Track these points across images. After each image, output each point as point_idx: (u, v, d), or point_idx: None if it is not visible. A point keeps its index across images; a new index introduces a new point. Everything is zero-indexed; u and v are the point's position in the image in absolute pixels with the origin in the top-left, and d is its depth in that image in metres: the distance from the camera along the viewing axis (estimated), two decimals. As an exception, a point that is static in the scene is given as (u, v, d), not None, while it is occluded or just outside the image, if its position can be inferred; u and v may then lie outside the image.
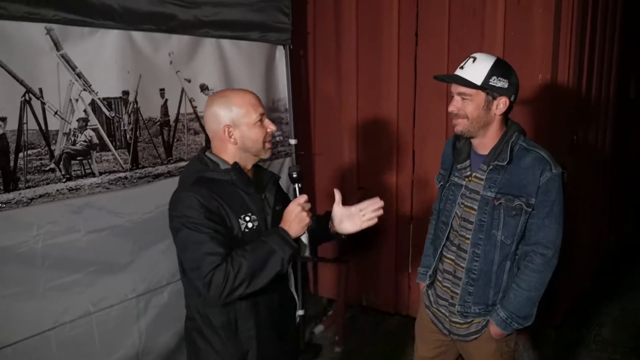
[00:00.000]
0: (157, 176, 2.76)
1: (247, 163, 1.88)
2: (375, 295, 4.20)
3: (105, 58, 2.45)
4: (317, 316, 4.24)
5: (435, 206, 2.40)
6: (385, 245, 4.02)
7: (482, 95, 1.97)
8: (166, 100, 2.79)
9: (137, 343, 2.71)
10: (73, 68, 2.32)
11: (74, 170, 2.39)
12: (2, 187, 2.15)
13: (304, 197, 1.84)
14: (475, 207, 2.09)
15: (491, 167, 2.04)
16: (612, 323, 4.10)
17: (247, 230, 1.80)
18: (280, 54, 3.49)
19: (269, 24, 3.28)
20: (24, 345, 2.26)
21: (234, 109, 1.80)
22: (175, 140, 2.87)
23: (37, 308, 2.30)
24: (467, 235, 2.12)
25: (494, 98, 1.97)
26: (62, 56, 2.28)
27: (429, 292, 2.36)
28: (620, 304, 4.38)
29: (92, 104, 2.43)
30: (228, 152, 1.85)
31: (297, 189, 1.89)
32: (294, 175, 1.90)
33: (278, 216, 1.88)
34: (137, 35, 2.58)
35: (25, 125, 2.19)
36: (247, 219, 1.81)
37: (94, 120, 2.45)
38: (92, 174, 2.47)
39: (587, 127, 3.98)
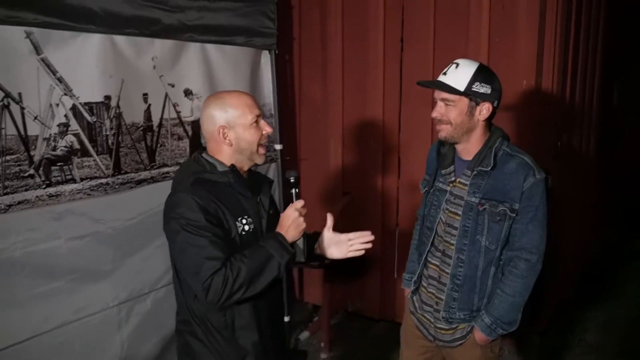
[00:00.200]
0: (139, 182, 2.73)
1: (243, 165, 1.87)
2: (361, 301, 4.18)
3: (86, 62, 2.42)
4: (303, 322, 4.22)
5: (420, 212, 2.40)
6: (371, 251, 3.98)
7: (465, 101, 1.97)
8: (149, 105, 2.76)
9: (119, 352, 2.66)
10: (53, 72, 2.29)
11: (54, 176, 2.35)
12: (-21, 194, 2.11)
13: (301, 202, 1.84)
14: (460, 213, 2.09)
15: (475, 172, 2.04)
16: (597, 328, 4.12)
17: (243, 233, 1.80)
18: (266, 59, 3.48)
19: (254, 29, 3.26)
20: (1, 356, 2.21)
21: (229, 110, 1.79)
22: (159, 145, 2.84)
23: (16, 317, 2.25)
24: (451, 241, 2.12)
25: (477, 104, 1.97)
26: (42, 60, 2.24)
27: (414, 298, 2.35)
28: (605, 309, 4.39)
29: (73, 108, 2.40)
30: (224, 154, 1.83)
31: (294, 193, 1.88)
32: (292, 180, 1.88)
33: (272, 220, 1.89)
34: (120, 40, 2.55)
35: (3, 130, 2.16)
36: (244, 221, 1.80)
37: (75, 126, 2.41)
38: (73, 180, 2.43)
39: (571, 133, 4.00)
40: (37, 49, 2.22)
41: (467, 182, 2.07)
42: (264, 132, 1.85)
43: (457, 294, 2.12)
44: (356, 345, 3.94)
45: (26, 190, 2.25)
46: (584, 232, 4.72)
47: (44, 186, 2.31)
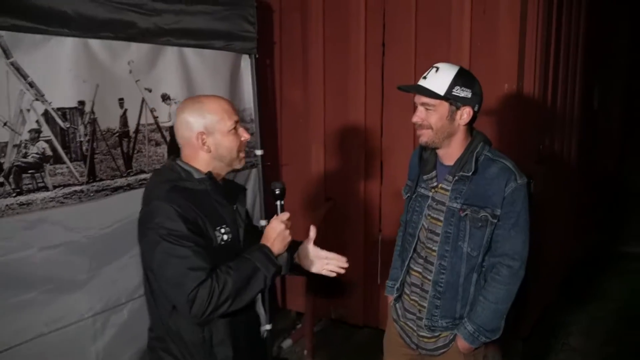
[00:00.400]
0: (115, 189, 2.66)
1: (221, 172, 1.82)
2: (344, 308, 4.13)
3: (59, 67, 2.35)
4: (286, 330, 4.16)
5: (403, 218, 2.37)
6: (354, 257, 3.96)
7: (445, 105, 1.94)
8: (125, 110, 2.69)
9: (94, 364, 2.59)
10: (24, 77, 2.21)
11: (25, 184, 2.27)
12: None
13: (287, 215, 1.81)
14: (442, 219, 2.06)
15: (457, 177, 2.01)
16: (580, 332, 4.12)
17: (222, 242, 1.73)
18: (246, 63, 3.43)
19: (233, 33, 3.21)
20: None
21: (208, 116, 1.73)
22: (136, 151, 2.77)
23: (-15, 330, 2.18)
24: (433, 247, 2.09)
25: (458, 108, 1.95)
26: (12, 64, 2.17)
27: (397, 305, 2.32)
28: (588, 313, 4.41)
29: (45, 114, 2.32)
30: (200, 161, 1.77)
31: (279, 205, 1.83)
32: (277, 192, 1.83)
33: (249, 230, 1.84)
34: (94, 43, 2.48)
35: (-29, 136, 2.09)
36: (222, 230, 1.74)
37: (47, 132, 2.34)
38: (46, 188, 2.35)
39: (552, 137, 4.01)
40: (7, 53, 2.14)
41: (449, 188, 2.04)
42: (242, 139, 1.80)
43: (439, 301, 2.09)
44: (340, 352, 3.91)
45: (-5, 198, 2.18)
46: (567, 236, 4.73)
47: (14, 194, 2.23)
